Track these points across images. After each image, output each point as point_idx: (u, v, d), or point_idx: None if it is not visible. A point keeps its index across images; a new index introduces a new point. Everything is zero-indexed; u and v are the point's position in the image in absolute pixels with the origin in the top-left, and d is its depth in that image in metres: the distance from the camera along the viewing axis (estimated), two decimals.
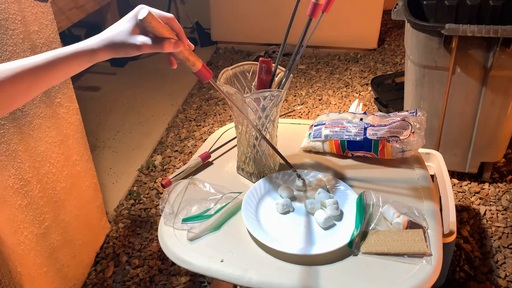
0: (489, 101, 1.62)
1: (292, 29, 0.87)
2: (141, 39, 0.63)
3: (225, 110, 2.50)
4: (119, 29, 0.63)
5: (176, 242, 0.80)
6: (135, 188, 1.95)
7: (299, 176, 0.89)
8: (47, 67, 0.60)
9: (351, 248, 0.76)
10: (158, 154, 2.16)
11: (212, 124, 2.37)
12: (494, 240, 1.60)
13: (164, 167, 2.07)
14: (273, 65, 0.89)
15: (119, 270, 1.57)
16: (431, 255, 0.74)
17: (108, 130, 2.39)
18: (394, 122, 0.97)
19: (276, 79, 0.91)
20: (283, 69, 0.90)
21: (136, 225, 1.75)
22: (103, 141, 2.30)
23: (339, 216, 0.83)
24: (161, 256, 1.61)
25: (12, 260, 1.15)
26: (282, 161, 0.99)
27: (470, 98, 1.64)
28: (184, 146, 2.21)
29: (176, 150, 2.19)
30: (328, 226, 0.81)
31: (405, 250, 0.75)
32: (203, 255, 0.77)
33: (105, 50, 0.63)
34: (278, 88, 0.89)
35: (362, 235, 0.78)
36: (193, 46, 0.72)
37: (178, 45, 0.66)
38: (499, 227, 1.65)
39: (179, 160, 2.11)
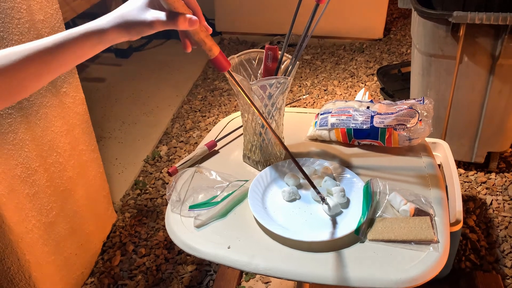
0: (496, 90, 1.61)
1: (297, 20, 0.87)
2: (154, 14, 0.58)
3: (230, 100, 2.50)
4: (131, 6, 0.59)
5: (183, 229, 0.80)
6: (141, 178, 1.96)
7: (323, 200, 0.80)
8: (56, 50, 0.56)
9: (358, 235, 0.76)
10: (163, 145, 2.17)
11: (217, 115, 2.37)
12: (501, 230, 1.59)
13: (170, 157, 2.08)
14: (279, 52, 0.89)
15: (125, 259, 1.58)
16: (438, 242, 0.74)
17: (113, 121, 2.39)
18: (401, 110, 0.96)
19: (282, 66, 0.90)
20: (289, 56, 0.89)
21: (142, 214, 1.76)
22: (109, 131, 2.31)
23: (346, 204, 0.83)
24: (168, 245, 1.62)
25: (20, 248, 1.17)
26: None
27: (477, 87, 1.63)
28: (190, 136, 2.22)
29: (182, 141, 2.19)
30: (334, 213, 0.81)
31: (412, 237, 0.75)
32: (210, 241, 0.77)
33: (116, 29, 0.59)
34: (284, 75, 0.88)
35: (369, 222, 0.78)
36: (211, 29, 0.65)
37: (193, 22, 0.59)
38: (505, 216, 1.64)
39: (184, 150, 2.12)
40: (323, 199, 0.80)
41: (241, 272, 1.47)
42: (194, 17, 0.60)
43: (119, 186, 1.93)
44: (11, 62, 0.54)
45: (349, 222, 0.78)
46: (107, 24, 0.59)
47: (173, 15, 0.59)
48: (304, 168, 0.90)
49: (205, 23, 0.64)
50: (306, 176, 0.78)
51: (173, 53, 3.06)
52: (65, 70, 0.60)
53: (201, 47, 0.65)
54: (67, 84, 1.34)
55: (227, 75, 0.70)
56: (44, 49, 0.56)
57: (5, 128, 1.11)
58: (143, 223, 1.72)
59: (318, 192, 0.80)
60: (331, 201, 0.81)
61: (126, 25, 0.59)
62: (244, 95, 0.72)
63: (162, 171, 1.99)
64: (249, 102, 0.72)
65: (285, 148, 0.77)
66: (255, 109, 0.73)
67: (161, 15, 0.59)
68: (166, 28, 0.59)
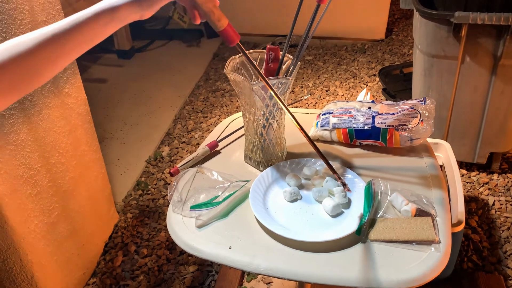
0: (498, 91, 1.61)
1: (298, 20, 0.87)
2: None
3: (232, 101, 2.50)
4: None
5: (185, 229, 0.80)
6: (143, 179, 1.96)
7: (344, 185, 0.82)
8: (69, 31, 0.56)
9: (359, 236, 0.76)
10: (165, 146, 2.17)
11: (219, 116, 2.37)
12: (503, 231, 1.59)
13: (172, 158, 2.08)
14: (281, 53, 0.89)
15: (127, 259, 1.58)
16: (440, 242, 0.74)
17: (115, 122, 2.40)
18: (403, 111, 0.96)
19: (284, 67, 0.90)
20: (291, 56, 0.89)
21: (144, 215, 1.77)
22: (111, 132, 2.31)
23: (347, 204, 0.83)
24: (169, 246, 1.62)
25: (23, 248, 1.17)
26: (289, 150, 0.99)
27: (479, 87, 1.63)
28: (191, 137, 2.22)
29: (184, 142, 2.19)
30: (336, 213, 0.81)
31: (413, 238, 0.75)
32: (211, 242, 0.77)
33: (128, 5, 0.58)
34: (285, 76, 0.89)
35: (371, 222, 0.78)
36: (218, 1, 0.66)
37: None
38: (508, 217, 1.64)
39: (186, 151, 2.12)
40: (344, 185, 0.82)
41: (243, 272, 1.47)
42: None
43: (121, 186, 1.93)
44: (26, 48, 0.54)
45: (351, 222, 0.78)
46: (119, 1, 0.59)
47: None
48: (305, 169, 0.91)
49: None
50: (328, 163, 0.80)
51: (175, 54, 3.06)
52: (79, 54, 0.59)
53: (209, 17, 0.65)
54: (69, 85, 1.35)
55: (237, 48, 0.69)
56: (57, 32, 0.56)
57: (8, 128, 1.11)
58: (145, 224, 1.73)
59: (339, 177, 0.82)
60: (333, 201, 0.81)
61: (137, 0, 0.59)
62: (253, 69, 0.71)
63: (164, 171, 2.00)
64: (260, 76, 0.72)
65: (306, 135, 0.76)
66: (267, 86, 0.73)
67: None
68: None
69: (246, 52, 0.72)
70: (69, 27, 0.56)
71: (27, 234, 1.19)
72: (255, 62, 0.73)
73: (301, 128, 0.80)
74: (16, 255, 1.17)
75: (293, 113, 0.81)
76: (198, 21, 0.66)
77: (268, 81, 0.75)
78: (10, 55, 0.54)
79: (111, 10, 0.58)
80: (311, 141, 0.80)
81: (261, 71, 0.74)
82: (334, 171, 0.81)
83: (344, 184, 0.82)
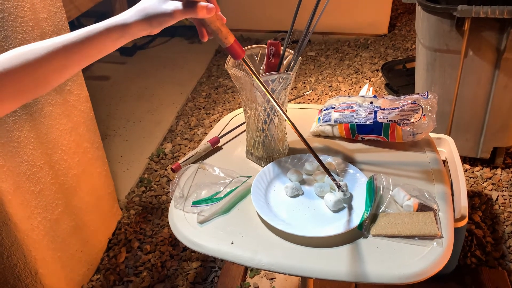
0: (502, 85, 1.60)
1: (300, 16, 0.86)
2: (173, 4, 0.61)
3: (234, 98, 2.50)
4: (151, 0, 0.62)
5: (186, 225, 0.80)
6: (146, 176, 1.97)
7: (339, 187, 0.81)
8: (80, 44, 0.58)
9: (361, 231, 0.76)
10: (168, 142, 2.17)
11: (222, 112, 2.37)
12: (507, 226, 1.58)
13: (174, 154, 2.09)
14: (282, 48, 0.89)
15: (131, 255, 1.59)
16: (442, 237, 0.74)
17: (118, 119, 2.40)
18: (405, 105, 0.96)
19: (285, 62, 0.90)
20: (292, 52, 0.89)
21: (147, 211, 1.77)
22: (114, 129, 2.32)
23: (349, 199, 0.83)
24: (172, 242, 1.62)
25: (26, 245, 1.18)
26: (291, 145, 0.99)
27: (482, 81, 1.61)
28: (194, 134, 2.22)
29: (186, 138, 2.19)
30: (337, 209, 0.81)
31: (415, 232, 0.74)
32: (213, 237, 0.77)
33: (139, 23, 0.61)
34: (286, 71, 0.88)
35: (372, 217, 0.78)
36: (225, 19, 0.69)
37: (211, 9, 0.63)
38: (511, 212, 1.63)
39: (189, 148, 2.12)
40: (338, 186, 0.80)
41: (246, 268, 1.48)
42: (211, 5, 0.63)
43: (124, 183, 1.94)
44: (36, 57, 0.56)
45: (352, 217, 0.78)
46: (130, 19, 0.61)
47: (191, 4, 0.61)
48: (307, 164, 0.91)
49: (220, 12, 0.67)
50: (321, 162, 0.79)
51: (177, 51, 3.06)
52: (87, 64, 0.62)
53: (217, 35, 0.67)
54: (71, 82, 1.35)
55: (243, 62, 0.72)
56: (68, 44, 0.58)
57: (10, 126, 1.11)
58: (148, 220, 1.73)
59: (334, 179, 0.80)
60: (334, 196, 0.81)
61: (148, 18, 0.61)
62: (257, 80, 0.73)
63: (167, 168, 2.00)
64: (261, 85, 0.73)
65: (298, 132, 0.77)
66: (267, 94, 0.74)
67: (179, 4, 0.61)
68: (186, 16, 0.62)
69: (251, 66, 0.75)
70: (79, 40, 0.59)
71: (31, 231, 1.20)
72: (256, 72, 0.76)
73: (294, 126, 0.80)
74: (20, 252, 1.17)
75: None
76: (206, 39, 0.69)
77: (265, 85, 0.75)
78: (20, 63, 0.56)
79: (122, 27, 0.61)
80: (305, 141, 0.79)
81: (260, 77, 0.75)
82: (329, 174, 0.80)
83: (338, 186, 0.80)
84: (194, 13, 0.62)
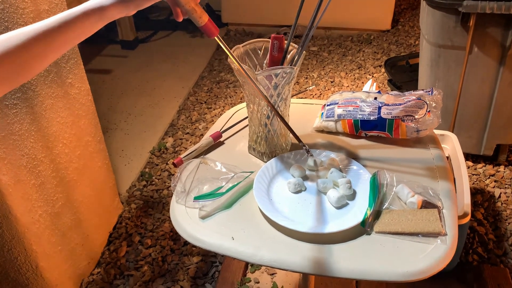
0: (507, 82, 1.58)
1: (304, 11, 0.85)
2: None
3: (236, 92, 2.48)
4: None
5: (188, 220, 0.79)
6: (147, 170, 1.96)
7: (307, 152, 0.87)
8: (59, 29, 0.58)
9: (364, 227, 0.75)
10: (169, 136, 2.17)
11: (223, 107, 2.36)
12: (509, 223, 1.58)
13: (176, 149, 2.08)
14: (285, 42, 0.87)
15: (132, 250, 1.59)
16: (446, 234, 0.73)
17: (119, 113, 2.39)
18: (409, 101, 0.95)
19: (288, 56, 0.89)
20: (296, 46, 0.88)
21: (148, 206, 1.77)
22: (115, 123, 2.31)
23: (352, 196, 0.82)
24: (173, 237, 1.62)
25: (27, 238, 1.17)
26: (294, 141, 0.98)
27: (487, 78, 1.60)
28: (195, 128, 2.21)
29: (188, 133, 2.19)
30: (340, 205, 0.80)
31: (419, 230, 0.74)
32: (215, 232, 0.77)
33: (115, 5, 0.61)
34: (290, 65, 0.87)
35: (376, 214, 0.77)
36: None
37: None
38: None
39: (190, 142, 2.12)
40: (307, 151, 0.87)
41: (247, 263, 1.47)
42: None
43: (125, 177, 1.93)
44: (17, 43, 0.56)
45: (356, 214, 0.77)
46: (106, 1, 0.61)
47: None
48: (309, 160, 0.90)
49: None
50: (291, 131, 0.85)
51: (179, 45, 3.05)
52: (68, 48, 0.62)
53: (192, 15, 0.70)
54: (72, 75, 1.34)
55: (217, 40, 0.75)
56: (46, 29, 0.58)
57: (11, 118, 1.11)
58: (149, 214, 1.73)
59: (304, 145, 0.87)
60: (337, 192, 0.80)
61: (124, 0, 0.62)
62: (240, 68, 0.76)
63: (168, 162, 1.99)
64: (244, 73, 0.76)
65: (286, 124, 0.76)
66: (251, 82, 0.76)
67: None
68: None
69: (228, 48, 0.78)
70: (58, 25, 0.59)
71: (32, 224, 1.19)
72: (234, 55, 0.79)
73: (280, 116, 0.80)
74: (21, 245, 1.17)
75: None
76: (180, 19, 0.71)
77: (250, 74, 0.79)
78: (2, 50, 0.56)
79: (99, 10, 0.61)
80: (283, 120, 0.84)
81: (243, 67, 0.78)
82: (299, 140, 0.87)
83: (308, 151, 0.87)
84: None
